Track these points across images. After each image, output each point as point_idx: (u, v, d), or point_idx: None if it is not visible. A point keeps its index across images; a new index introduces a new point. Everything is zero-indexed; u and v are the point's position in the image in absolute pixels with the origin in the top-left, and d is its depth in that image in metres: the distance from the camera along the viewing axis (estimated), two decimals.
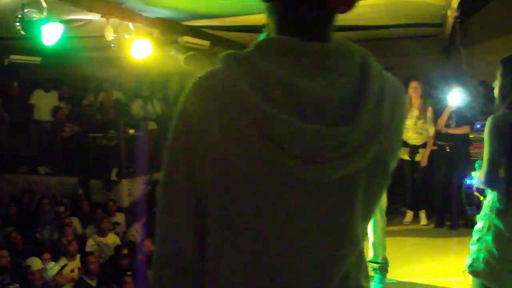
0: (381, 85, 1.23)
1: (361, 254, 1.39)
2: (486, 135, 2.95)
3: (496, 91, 3.09)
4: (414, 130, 7.23)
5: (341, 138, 1.16)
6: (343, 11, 1.26)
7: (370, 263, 5.21)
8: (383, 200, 5.33)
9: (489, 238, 2.94)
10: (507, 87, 2.98)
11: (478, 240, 3.03)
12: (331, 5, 1.24)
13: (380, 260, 5.15)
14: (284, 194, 1.23)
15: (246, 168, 1.20)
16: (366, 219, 1.36)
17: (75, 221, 8.42)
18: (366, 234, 1.39)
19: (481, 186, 3.04)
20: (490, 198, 3.01)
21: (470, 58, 5.91)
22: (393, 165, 1.34)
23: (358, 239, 1.32)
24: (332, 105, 1.18)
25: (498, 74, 3.07)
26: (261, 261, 1.26)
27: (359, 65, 1.23)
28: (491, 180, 2.94)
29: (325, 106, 1.18)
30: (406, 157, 7.12)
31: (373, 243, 5.21)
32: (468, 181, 6.37)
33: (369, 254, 5.20)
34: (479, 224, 3.06)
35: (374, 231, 5.21)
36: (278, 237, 1.26)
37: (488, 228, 2.95)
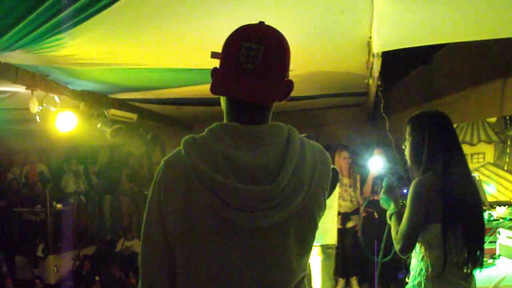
0: (302, 152, 1.72)
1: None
2: (408, 200, 3.00)
3: (407, 152, 3.15)
4: (345, 198, 7.38)
5: (268, 194, 1.63)
6: (279, 100, 1.77)
7: None
8: (332, 262, 5.44)
9: None
10: (419, 144, 3.03)
11: None
12: (262, 104, 1.77)
13: None
14: (230, 239, 1.68)
15: (201, 220, 1.67)
16: (302, 257, 1.80)
17: None
18: (305, 268, 1.83)
19: (398, 250, 3.06)
20: (417, 265, 3.03)
21: (395, 125, 6.06)
22: (321, 214, 1.84)
23: (294, 272, 1.77)
24: (260, 169, 1.65)
25: (407, 134, 3.13)
26: None
27: (285, 139, 1.73)
28: (411, 245, 2.99)
29: (255, 170, 1.65)
30: (338, 226, 7.19)
31: None
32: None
33: None
34: None
35: None
36: (226, 271, 1.70)
37: None
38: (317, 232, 5.06)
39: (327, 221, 5.47)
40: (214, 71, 1.84)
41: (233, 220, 1.64)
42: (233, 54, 1.74)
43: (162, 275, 1.75)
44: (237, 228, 1.66)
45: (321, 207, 1.82)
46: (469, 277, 2.91)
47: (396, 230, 3.11)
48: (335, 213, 5.61)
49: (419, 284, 2.99)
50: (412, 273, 3.07)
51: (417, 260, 3.04)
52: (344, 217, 7.37)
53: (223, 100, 1.85)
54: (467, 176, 3.02)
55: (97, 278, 8.83)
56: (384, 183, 3.30)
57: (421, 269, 2.99)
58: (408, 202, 3.00)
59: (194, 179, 1.65)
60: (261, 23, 1.82)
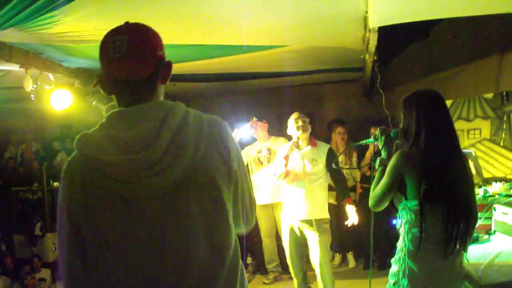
0: (183, 121, 1.85)
1: (232, 266, 1.91)
2: (388, 167, 3.04)
3: (399, 131, 3.19)
4: None
5: (147, 161, 1.74)
6: (163, 81, 2.03)
7: None
8: (328, 236, 5.45)
9: (405, 282, 2.96)
10: (409, 124, 3.07)
11: (394, 284, 3.06)
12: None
13: None
14: (126, 214, 1.77)
15: (98, 202, 1.79)
16: (216, 229, 1.86)
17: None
18: (227, 244, 1.89)
19: (370, 205, 3.24)
20: (402, 240, 3.05)
21: (391, 100, 6.05)
22: (230, 183, 1.92)
23: (208, 245, 1.83)
24: (138, 141, 1.77)
25: (401, 112, 3.17)
26: (126, 263, 1.79)
27: (166, 113, 1.85)
28: (379, 207, 3.19)
29: (134, 142, 1.77)
30: (333, 202, 7.20)
31: (321, 277, 5.37)
32: (393, 222, 6.48)
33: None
34: (394, 268, 3.09)
35: (320, 265, 5.34)
36: (132, 246, 1.78)
37: (404, 272, 2.98)
38: (310, 208, 5.06)
39: (317, 196, 5.49)
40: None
41: (123, 194, 1.77)
42: (105, 51, 1.91)
43: (77, 262, 1.85)
44: (130, 202, 1.78)
45: (223, 174, 1.89)
46: (452, 255, 2.91)
47: (373, 187, 3.25)
48: (326, 188, 5.60)
49: (399, 259, 3.04)
50: (397, 248, 3.11)
51: (401, 236, 3.09)
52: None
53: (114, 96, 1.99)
54: (453, 153, 3.03)
55: None
56: (391, 133, 3.33)
57: (403, 245, 3.03)
58: (386, 171, 3.08)
59: (86, 167, 1.80)
60: (126, 22, 2.01)
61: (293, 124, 5.57)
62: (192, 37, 5.39)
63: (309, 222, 5.43)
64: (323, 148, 5.61)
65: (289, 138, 5.77)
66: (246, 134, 6.76)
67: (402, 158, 3.01)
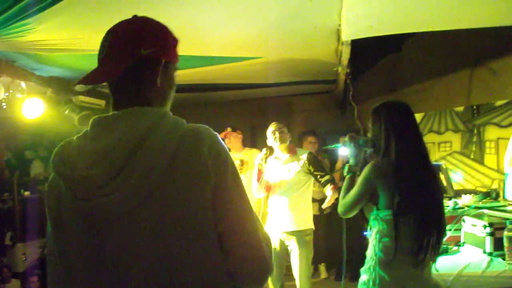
0: (150, 131, 1.62)
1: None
2: (360, 177, 3.09)
3: (368, 140, 3.24)
4: (315, 183, 7.40)
5: (100, 179, 1.57)
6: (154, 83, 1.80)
7: None
8: (310, 249, 5.42)
9: None
10: (379, 134, 3.11)
11: None
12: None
13: None
14: (87, 232, 1.64)
15: (67, 219, 1.68)
16: (185, 249, 1.61)
17: None
18: (197, 267, 1.63)
19: (339, 212, 3.29)
20: (372, 250, 3.08)
21: (363, 112, 6.12)
22: (205, 200, 1.65)
23: (177, 262, 1.61)
24: (99, 155, 1.61)
25: (370, 123, 3.21)
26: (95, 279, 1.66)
27: (133, 122, 1.66)
28: (348, 215, 3.26)
29: (95, 157, 1.62)
30: (315, 212, 7.24)
31: None
32: (365, 232, 6.52)
33: None
34: (364, 277, 3.11)
35: (300, 278, 5.32)
36: (94, 268, 1.65)
37: (374, 281, 3.00)
38: (292, 219, 5.04)
39: (300, 206, 5.47)
40: None
41: (84, 212, 1.62)
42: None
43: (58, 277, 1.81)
44: (90, 222, 1.63)
45: (198, 191, 1.64)
46: (422, 265, 2.95)
47: (343, 194, 3.30)
48: (309, 198, 5.59)
49: (370, 268, 3.06)
50: (367, 257, 3.14)
51: (371, 245, 3.11)
52: (321, 203, 7.35)
53: None
54: (424, 164, 3.08)
55: None
56: (360, 141, 3.38)
57: (374, 254, 3.05)
58: (358, 181, 3.14)
59: (59, 185, 1.69)
60: (134, 16, 1.90)
61: (271, 135, 5.58)
62: None
63: (291, 233, 5.42)
64: (303, 154, 5.61)
65: (271, 149, 5.76)
66: None
67: (374, 169, 3.05)
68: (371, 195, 3.08)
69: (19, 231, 9.42)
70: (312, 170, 5.47)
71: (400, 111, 3.16)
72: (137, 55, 1.74)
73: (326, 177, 5.43)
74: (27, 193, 9.95)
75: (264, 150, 5.63)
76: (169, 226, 1.61)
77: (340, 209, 3.26)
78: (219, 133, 6.61)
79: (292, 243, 5.42)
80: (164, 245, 1.60)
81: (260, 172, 5.57)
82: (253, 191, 5.63)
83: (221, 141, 1.78)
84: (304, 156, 5.54)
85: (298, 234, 5.39)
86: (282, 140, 5.52)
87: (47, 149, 11.29)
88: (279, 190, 5.51)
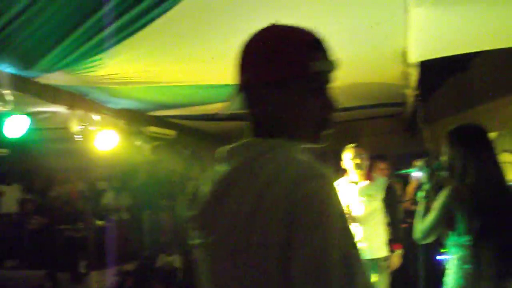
0: (248, 177, 1.41)
1: None
2: (438, 202, 3.04)
3: (442, 164, 3.19)
4: None
5: (194, 219, 1.54)
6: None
7: None
8: (386, 276, 5.34)
9: None
10: (454, 158, 3.06)
11: None
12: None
13: None
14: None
15: None
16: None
17: None
18: None
19: (416, 236, 3.23)
20: (452, 277, 3.02)
21: (434, 134, 6.03)
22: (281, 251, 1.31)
23: None
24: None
25: (444, 147, 3.17)
26: None
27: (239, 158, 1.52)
28: (425, 239, 3.18)
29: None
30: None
31: None
32: (437, 257, 6.42)
33: None
34: None
35: None
36: None
37: None
38: (367, 248, 4.98)
39: (375, 233, 5.39)
40: None
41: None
42: None
43: None
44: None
45: (276, 245, 1.31)
46: None
47: (419, 220, 3.25)
48: (384, 225, 5.50)
49: None
50: (446, 284, 3.08)
51: (452, 272, 3.05)
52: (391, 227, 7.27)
53: None
54: (502, 187, 3.01)
55: None
56: (435, 165, 3.34)
57: (454, 281, 2.99)
58: (435, 206, 3.07)
59: None
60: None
61: (351, 161, 5.51)
62: (231, 77, 5.45)
63: (367, 261, 5.35)
64: (381, 182, 5.53)
65: (337, 173, 5.71)
66: None
67: (452, 194, 3.01)
68: (448, 220, 3.02)
69: (93, 259, 9.63)
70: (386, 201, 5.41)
71: (476, 134, 3.12)
72: (279, 59, 1.51)
73: (394, 232, 5.39)
74: (100, 222, 10.19)
75: (352, 174, 5.56)
76: (249, 275, 1.41)
77: (417, 235, 3.21)
78: None
79: (377, 270, 5.34)
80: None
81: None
82: None
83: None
84: (381, 185, 5.47)
85: (374, 262, 5.32)
86: (361, 167, 5.47)
87: (119, 180, 11.54)
88: (355, 217, 5.45)
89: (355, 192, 5.49)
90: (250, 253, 1.36)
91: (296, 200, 1.28)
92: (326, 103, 1.52)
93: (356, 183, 5.53)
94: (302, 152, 1.45)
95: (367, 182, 5.52)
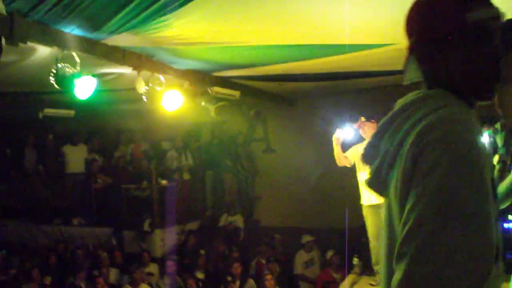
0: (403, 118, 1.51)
1: None
2: None
3: None
4: None
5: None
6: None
7: None
8: None
9: None
10: None
11: None
12: None
13: None
14: None
15: None
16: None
17: (109, 272, 8.40)
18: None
19: None
20: None
21: (504, 98, 5.78)
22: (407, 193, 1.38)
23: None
24: None
25: None
26: None
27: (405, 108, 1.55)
28: (501, 204, 2.96)
29: None
30: None
31: None
32: (505, 225, 6.26)
33: None
34: None
35: None
36: None
37: None
38: None
39: None
40: None
41: None
42: None
43: None
44: None
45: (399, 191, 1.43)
46: None
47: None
48: None
49: None
50: None
51: None
52: None
53: None
54: None
55: (202, 251, 9.02)
56: None
57: None
58: None
59: None
60: None
61: None
62: (295, 37, 5.38)
63: None
64: None
65: None
66: (350, 134, 6.64)
67: None
68: None
69: (158, 218, 9.81)
70: None
71: None
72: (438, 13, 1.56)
73: None
74: (164, 182, 10.33)
75: None
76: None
77: None
78: (353, 122, 6.55)
79: None
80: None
81: None
82: None
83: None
84: None
85: None
86: None
87: (183, 140, 11.64)
88: None
89: None
90: (394, 189, 1.47)
91: (425, 142, 1.35)
92: (492, 53, 1.47)
93: None
94: (457, 105, 1.45)
95: None
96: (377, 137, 1.61)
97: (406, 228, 1.31)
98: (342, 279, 7.98)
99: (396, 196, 1.46)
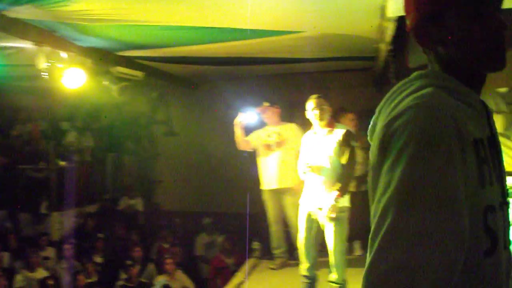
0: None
1: None
2: None
3: None
4: (358, 161, 7.40)
5: None
6: None
7: (331, 284, 5.39)
8: (342, 226, 5.33)
9: None
10: None
11: None
12: None
13: (341, 281, 5.26)
14: None
15: None
16: None
17: (3, 255, 8.13)
18: None
19: None
20: None
21: None
22: None
23: None
24: None
25: None
26: None
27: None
28: None
29: None
30: (352, 189, 7.25)
31: (335, 264, 5.28)
32: None
33: (331, 274, 5.38)
34: None
35: (334, 253, 5.27)
36: None
37: None
38: (326, 195, 4.92)
39: (335, 184, 5.38)
40: None
41: None
42: None
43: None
44: None
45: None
46: None
47: None
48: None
49: None
50: None
51: None
52: (359, 180, 7.30)
53: None
54: None
55: (100, 235, 8.90)
56: None
57: None
58: None
59: None
60: None
61: (311, 111, 5.46)
62: (200, 19, 5.37)
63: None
64: (340, 131, 5.45)
65: (304, 123, 5.67)
66: (253, 119, 6.72)
67: None
68: None
69: (55, 200, 9.56)
70: (339, 150, 5.35)
71: None
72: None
73: (337, 185, 5.30)
74: (62, 163, 10.07)
75: (314, 125, 5.51)
76: None
77: None
78: (256, 107, 6.61)
79: (325, 219, 5.35)
80: None
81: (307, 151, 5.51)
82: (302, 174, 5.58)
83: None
84: (340, 132, 5.43)
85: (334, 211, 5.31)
86: (321, 118, 5.42)
87: (83, 120, 11.38)
88: (315, 166, 5.44)
89: (316, 141, 5.46)
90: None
91: (392, 130, 1.35)
92: (492, 25, 1.44)
93: (315, 133, 5.50)
94: (445, 83, 1.46)
95: (327, 130, 5.45)
96: (374, 118, 1.61)
97: (375, 220, 1.30)
98: (236, 264, 8.11)
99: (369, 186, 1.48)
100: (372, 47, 6.61)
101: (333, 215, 5.22)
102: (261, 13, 5.08)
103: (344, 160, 5.32)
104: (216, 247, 9.22)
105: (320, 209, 5.29)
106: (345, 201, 5.37)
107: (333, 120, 5.49)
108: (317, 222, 5.40)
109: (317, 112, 5.35)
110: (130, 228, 9.60)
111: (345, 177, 5.31)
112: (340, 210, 5.28)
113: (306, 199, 5.46)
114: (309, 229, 5.46)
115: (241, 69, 9.02)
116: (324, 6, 4.89)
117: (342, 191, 5.22)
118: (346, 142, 5.33)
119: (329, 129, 5.41)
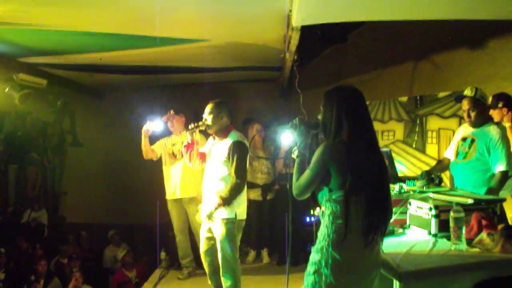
0: None
1: None
2: (314, 158, 3.10)
3: (318, 122, 3.27)
4: (262, 170, 7.45)
5: None
6: None
7: None
8: (225, 232, 5.25)
9: (327, 271, 3.00)
10: (330, 117, 3.14)
11: (314, 272, 3.08)
12: None
13: None
14: None
15: None
16: None
17: None
18: None
19: (294, 195, 3.28)
20: (325, 230, 3.10)
21: (307, 101, 6.13)
22: None
23: None
24: None
25: (321, 106, 3.23)
26: None
27: None
28: (303, 196, 3.25)
29: None
30: (258, 198, 7.28)
31: (223, 273, 5.24)
32: (307, 219, 6.67)
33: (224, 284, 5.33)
34: (316, 257, 3.10)
35: (222, 263, 5.23)
36: None
37: (326, 261, 3.01)
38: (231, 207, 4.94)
39: (241, 196, 5.34)
40: None
41: None
42: None
43: None
44: None
45: None
46: (371, 244, 3.00)
47: (296, 177, 3.29)
48: (244, 186, 5.44)
49: (322, 248, 3.07)
50: (319, 238, 3.15)
51: (323, 226, 3.13)
52: (264, 189, 7.40)
53: None
54: (373, 147, 3.14)
55: (1, 250, 8.56)
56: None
57: (326, 235, 3.07)
58: (312, 162, 3.13)
59: None
60: None
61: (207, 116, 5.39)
62: (107, 25, 5.28)
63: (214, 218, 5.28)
64: (229, 141, 5.37)
65: (207, 133, 5.63)
66: (159, 127, 6.64)
67: (328, 150, 3.07)
68: (323, 176, 3.10)
69: None
70: (228, 160, 5.31)
71: (353, 95, 3.20)
72: None
73: (225, 192, 5.28)
74: None
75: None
76: None
77: (294, 191, 3.25)
78: (162, 116, 6.55)
79: (213, 226, 5.30)
80: None
81: (190, 144, 5.48)
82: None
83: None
84: (229, 142, 5.35)
85: (219, 220, 5.26)
86: (212, 125, 5.34)
87: None
88: (207, 173, 5.41)
89: (212, 147, 5.42)
90: None
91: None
92: None
93: (214, 139, 5.45)
94: None
95: (218, 138, 5.39)
96: None
97: None
98: (140, 276, 8.01)
99: None
100: (279, 57, 6.69)
101: (211, 222, 5.22)
102: (170, 21, 5.04)
103: (232, 170, 5.25)
104: (118, 261, 9.05)
105: (206, 217, 5.24)
106: (231, 213, 5.26)
107: (229, 128, 5.39)
108: (210, 229, 5.36)
109: (208, 118, 5.28)
110: (34, 241, 9.28)
111: (229, 187, 5.23)
112: (227, 221, 5.20)
113: (202, 207, 5.42)
114: (204, 236, 5.44)
115: (149, 78, 8.94)
116: (230, 14, 4.91)
117: (224, 200, 5.17)
118: (234, 152, 5.24)
119: (221, 137, 5.36)
